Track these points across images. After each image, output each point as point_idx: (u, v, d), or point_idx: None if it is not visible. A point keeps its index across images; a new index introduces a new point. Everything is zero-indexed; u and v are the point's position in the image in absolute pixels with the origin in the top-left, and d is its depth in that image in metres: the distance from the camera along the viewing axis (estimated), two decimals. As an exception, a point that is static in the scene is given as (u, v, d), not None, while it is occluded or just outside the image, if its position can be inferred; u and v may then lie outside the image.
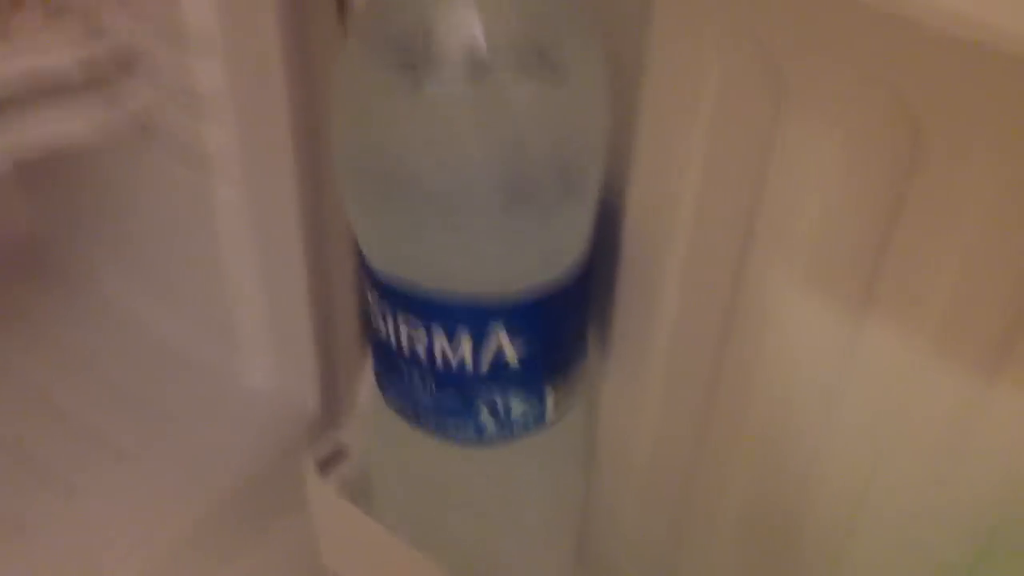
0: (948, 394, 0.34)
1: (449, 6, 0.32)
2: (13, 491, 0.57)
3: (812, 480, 0.39)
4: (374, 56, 0.35)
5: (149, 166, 0.58)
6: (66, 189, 0.67)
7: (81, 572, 0.53)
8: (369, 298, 0.39)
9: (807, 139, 0.33)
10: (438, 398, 0.39)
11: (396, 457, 0.45)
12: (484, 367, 0.38)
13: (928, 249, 0.32)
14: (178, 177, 0.56)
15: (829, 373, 0.36)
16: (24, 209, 0.72)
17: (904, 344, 0.34)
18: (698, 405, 0.42)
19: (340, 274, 0.55)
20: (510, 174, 0.34)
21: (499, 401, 0.39)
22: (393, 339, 0.39)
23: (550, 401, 0.40)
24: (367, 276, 0.39)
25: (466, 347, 0.38)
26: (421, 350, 0.38)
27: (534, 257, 0.37)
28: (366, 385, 0.49)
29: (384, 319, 0.39)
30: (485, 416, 0.39)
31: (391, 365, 0.40)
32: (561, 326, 0.39)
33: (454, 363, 0.38)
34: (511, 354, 0.38)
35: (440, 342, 0.38)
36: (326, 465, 0.48)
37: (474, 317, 0.37)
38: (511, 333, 0.38)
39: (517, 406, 0.39)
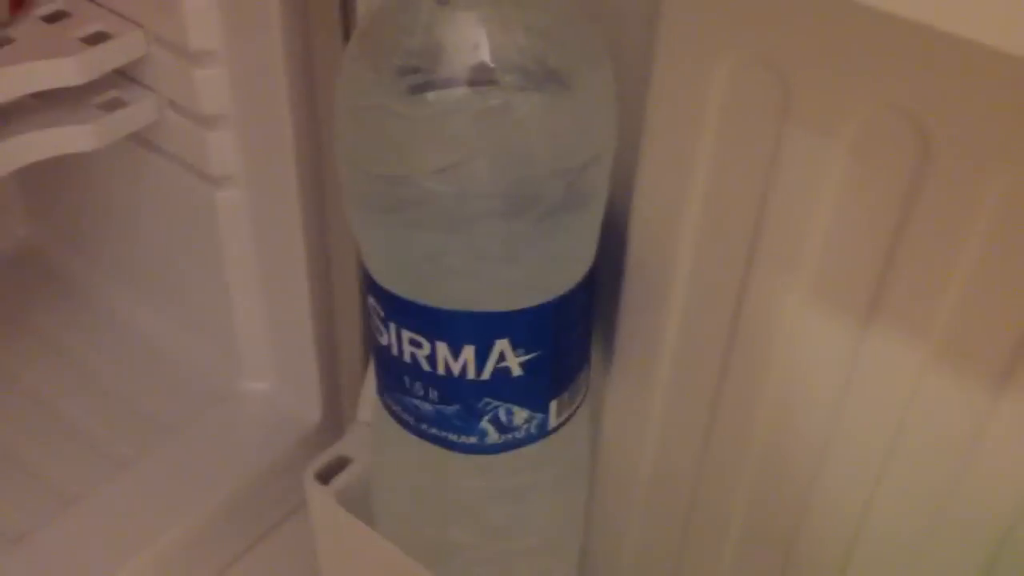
0: (954, 408, 0.33)
1: (454, 20, 0.32)
2: (11, 500, 0.57)
3: (816, 493, 0.39)
4: (377, 68, 0.35)
5: (150, 174, 0.58)
6: (66, 197, 0.67)
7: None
8: (371, 308, 0.39)
9: (813, 149, 0.33)
10: (440, 408, 0.39)
11: (397, 467, 0.45)
12: (487, 377, 0.38)
13: (934, 261, 0.32)
14: (180, 186, 0.56)
15: (834, 386, 0.36)
16: (24, 217, 0.72)
17: (910, 357, 0.34)
18: (702, 416, 0.41)
19: (343, 284, 0.55)
20: (515, 186, 0.34)
21: (501, 410, 0.39)
22: (395, 350, 0.39)
23: (552, 410, 0.40)
24: (369, 287, 0.39)
25: (469, 358, 0.37)
26: (423, 361, 0.38)
27: (539, 271, 0.37)
28: (368, 394, 0.49)
29: (386, 330, 0.39)
30: (487, 425, 0.39)
31: (393, 375, 0.40)
32: (564, 336, 0.39)
33: (456, 374, 0.38)
34: (514, 364, 0.38)
35: (443, 353, 0.38)
36: (326, 475, 0.48)
37: (478, 329, 0.37)
38: (515, 344, 0.38)
39: (519, 415, 0.39)
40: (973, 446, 0.34)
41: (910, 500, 0.36)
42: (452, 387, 0.38)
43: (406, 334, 0.38)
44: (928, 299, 0.32)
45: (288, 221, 0.53)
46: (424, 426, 0.40)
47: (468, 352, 0.37)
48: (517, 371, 0.38)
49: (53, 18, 0.51)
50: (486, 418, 0.39)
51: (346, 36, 0.47)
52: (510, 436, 0.40)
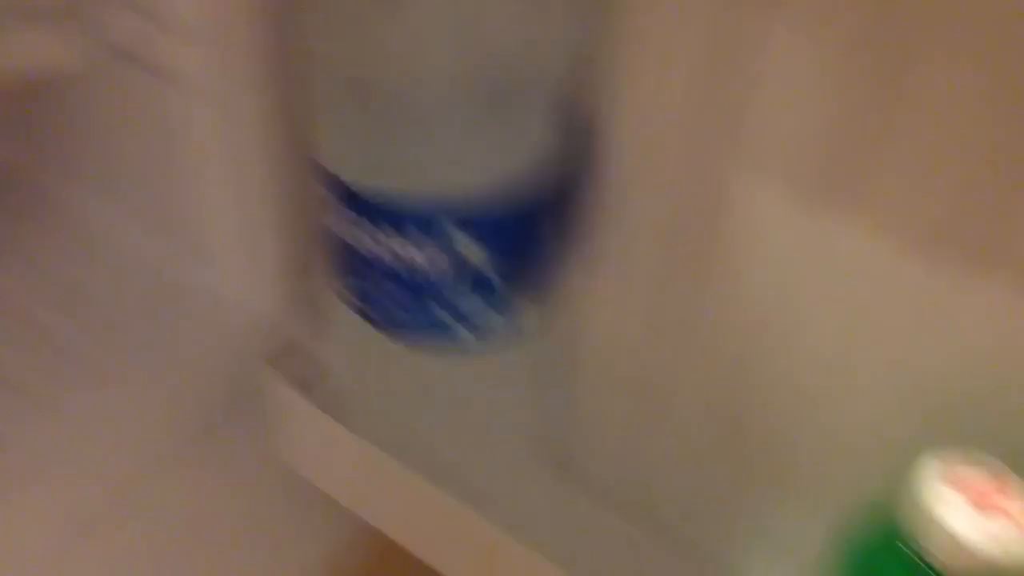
0: (907, 281, 0.34)
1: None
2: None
3: (775, 369, 0.40)
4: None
5: (118, 84, 0.57)
6: (34, 108, 0.66)
7: (57, 485, 0.53)
8: (335, 207, 0.39)
9: (773, 36, 0.33)
10: (405, 306, 0.39)
11: (370, 368, 0.45)
12: (451, 275, 0.38)
13: (889, 141, 0.32)
14: (146, 92, 0.55)
15: (799, 265, 0.37)
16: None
17: (873, 240, 0.34)
18: (679, 311, 0.42)
19: (307, 175, 0.54)
20: (479, 73, 0.34)
21: (470, 311, 0.39)
22: (357, 246, 0.38)
23: (527, 313, 0.40)
24: (328, 180, 0.39)
25: (434, 255, 0.37)
26: (387, 258, 0.38)
27: (505, 162, 0.36)
28: (331, 288, 0.49)
29: (351, 227, 0.38)
30: (458, 326, 0.39)
31: (355, 272, 0.40)
32: (538, 239, 0.39)
33: (421, 271, 0.38)
34: (483, 264, 0.38)
35: (407, 250, 0.37)
36: (283, 363, 0.48)
37: (441, 224, 0.37)
38: (481, 241, 0.37)
39: (493, 317, 0.39)
40: (925, 318, 0.35)
41: (864, 370, 0.37)
42: (416, 285, 0.38)
43: (370, 231, 0.38)
44: (882, 179, 0.33)
45: (254, 121, 0.52)
46: (387, 323, 0.40)
47: (433, 249, 0.37)
48: (486, 271, 0.38)
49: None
50: (452, 318, 0.39)
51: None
52: (479, 337, 0.40)
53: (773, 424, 0.42)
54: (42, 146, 0.69)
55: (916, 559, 0.33)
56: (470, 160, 0.36)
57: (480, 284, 0.38)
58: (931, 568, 0.32)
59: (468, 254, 0.38)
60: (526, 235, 0.38)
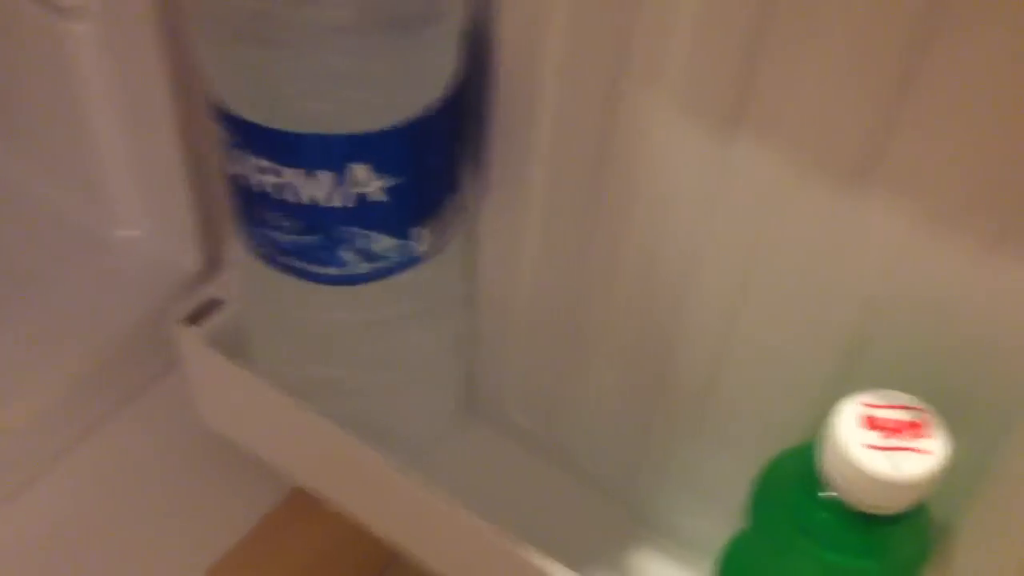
0: (816, 209, 0.33)
1: None
2: None
3: (689, 304, 0.39)
4: None
5: (12, 21, 0.53)
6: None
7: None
8: (226, 141, 0.37)
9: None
10: (298, 238, 0.37)
11: (265, 304, 0.43)
12: (346, 203, 0.36)
13: (793, 64, 0.31)
14: (34, 23, 0.52)
15: (704, 193, 0.35)
16: None
17: (773, 160, 0.33)
18: (578, 234, 0.40)
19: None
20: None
21: (364, 238, 0.37)
22: (248, 179, 0.37)
23: (421, 237, 0.38)
24: (217, 113, 0.36)
25: (326, 184, 0.36)
26: (278, 189, 0.36)
27: (393, 88, 0.35)
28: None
29: (237, 158, 0.36)
30: (349, 254, 0.38)
31: (248, 207, 0.38)
32: (428, 159, 0.37)
33: (313, 201, 0.36)
34: (375, 190, 0.36)
35: (298, 180, 0.36)
36: (197, 317, 0.46)
37: (333, 153, 0.35)
38: (375, 168, 0.36)
39: (384, 243, 0.38)
40: (834, 248, 0.33)
41: (773, 307, 0.36)
42: (309, 216, 0.37)
43: (258, 161, 0.36)
44: (788, 104, 0.31)
45: (146, 52, 0.49)
46: (283, 258, 0.38)
47: (324, 178, 0.35)
48: (378, 196, 0.36)
49: None
50: (348, 247, 0.37)
51: None
52: (376, 265, 0.38)
53: (686, 360, 0.40)
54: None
55: (830, 498, 0.32)
56: (361, 86, 0.34)
57: (375, 211, 0.37)
58: (842, 506, 0.31)
59: (364, 182, 0.36)
60: (420, 156, 0.37)
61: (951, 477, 0.32)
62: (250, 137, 0.35)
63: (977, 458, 0.34)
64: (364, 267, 0.38)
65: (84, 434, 0.54)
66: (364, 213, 0.36)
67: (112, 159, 0.55)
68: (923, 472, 0.30)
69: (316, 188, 0.35)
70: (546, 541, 0.47)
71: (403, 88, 0.35)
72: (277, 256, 0.39)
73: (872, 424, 0.31)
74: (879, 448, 0.30)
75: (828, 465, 0.32)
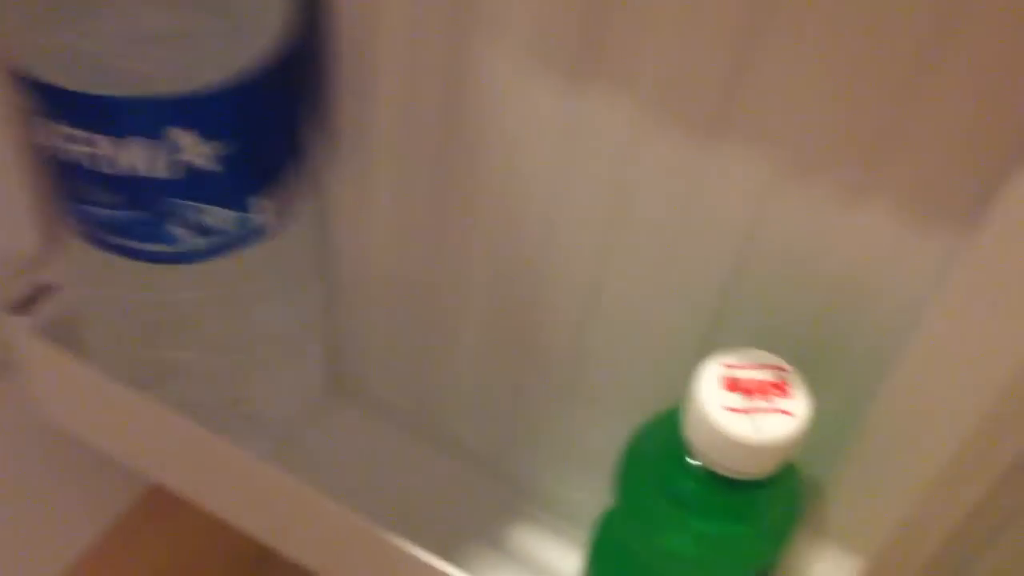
0: (673, 162, 0.31)
1: None
2: None
3: (549, 267, 0.37)
4: None
5: None
6: None
7: None
8: (40, 113, 0.33)
9: None
10: (121, 213, 0.34)
11: (102, 289, 0.40)
12: (170, 174, 0.33)
13: (642, 14, 0.29)
14: None
15: (559, 151, 0.34)
16: None
17: (627, 114, 0.31)
18: (432, 199, 0.38)
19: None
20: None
21: (194, 211, 0.34)
22: (59, 151, 0.33)
23: (261, 209, 0.36)
24: (18, 80, 0.33)
25: (145, 151, 0.32)
26: (94, 160, 0.33)
27: (206, 45, 0.32)
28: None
29: (44, 128, 0.33)
30: (179, 229, 0.34)
31: (65, 182, 0.35)
32: (261, 124, 0.34)
33: (133, 171, 0.33)
34: (203, 157, 0.33)
35: (113, 148, 0.32)
36: (27, 305, 0.42)
37: (151, 118, 0.32)
38: (200, 133, 0.33)
39: (220, 215, 0.35)
40: (692, 203, 0.32)
41: (635, 266, 0.35)
42: (130, 188, 0.33)
43: (67, 130, 0.32)
44: (639, 57, 0.30)
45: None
46: (108, 236, 0.35)
47: (142, 145, 0.32)
48: (208, 165, 0.33)
49: None
50: (178, 221, 0.34)
51: None
52: (212, 240, 0.35)
53: (550, 325, 0.39)
54: None
55: (695, 466, 0.30)
56: (173, 44, 0.32)
57: (206, 181, 0.34)
58: (708, 473, 0.30)
59: (190, 150, 0.33)
60: (254, 124, 0.34)
61: (821, 435, 0.31)
62: (55, 103, 0.32)
63: (847, 415, 0.33)
64: (199, 243, 0.35)
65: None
66: (193, 184, 0.33)
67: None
68: (784, 434, 0.29)
69: (134, 157, 0.32)
70: (423, 522, 0.45)
71: (223, 46, 0.32)
72: (101, 234, 0.35)
73: (734, 386, 0.29)
74: (740, 411, 0.29)
75: (691, 431, 0.30)
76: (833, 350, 0.33)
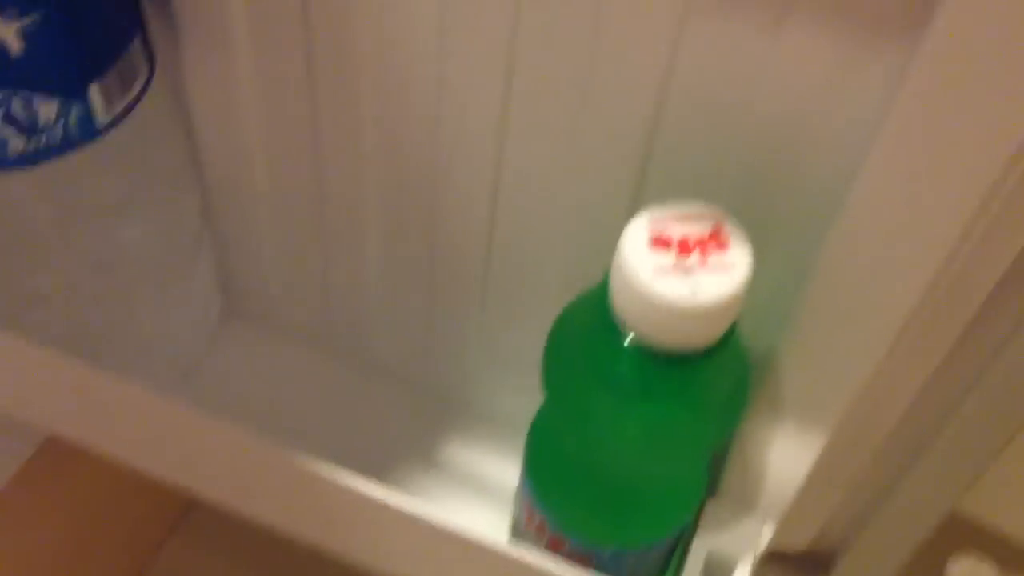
0: (571, 7, 0.27)
1: None
2: None
3: (446, 141, 0.32)
4: None
5: None
6: None
7: None
8: None
9: None
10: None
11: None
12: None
13: None
14: None
15: (439, 6, 0.29)
16: None
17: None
18: (303, 78, 0.33)
19: None
20: None
21: (16, 104, 0.29)
22: None
23: (95, 98, 0.30)
24: None
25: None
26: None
27: None
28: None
29: None
30: (1, 126, 0.29)
31: None
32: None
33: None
34: (9, 35, 0.27)
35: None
36: None
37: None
38: (22, 17, 0.27)
39: (46, 109, 0.29)
40: (593, 49, 0.27)
41: (545, 124, 0.30)
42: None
43: None
44: None
45: None
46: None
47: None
48: (17, 45, 0.28)
49: None
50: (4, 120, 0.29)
51: None
52: (43, 139, 0.30)
53: (454, 213, 0.34)
54: None
55: (627, 343, 0.27)
56: None
57: (20, 68, 0.28)
58: (642, 349, 0.26)
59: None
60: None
61: (765, 300, 0.28)
62: None
63: (792, 276, 0.29)
64: (25, 143, 0.30)
65: None
66: (9, 74, 0.28)
67: None
68: (726, 292, 0.25)
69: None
70: (349, 447, 0.41)
71: None
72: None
73: (664, 244, 0.25)
74: (673, 272, 0.25)
75: (620, 302, 0.26)
76: (772, 204, 0.29)
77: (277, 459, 0.34)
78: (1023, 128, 0.21)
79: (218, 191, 0.38)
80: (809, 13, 0.25)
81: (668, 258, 0.25)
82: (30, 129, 0.29)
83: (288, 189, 0.37)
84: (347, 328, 0.42)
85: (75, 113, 0.30)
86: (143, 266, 0.37)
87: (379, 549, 0.35)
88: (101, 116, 0.31)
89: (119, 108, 0.31)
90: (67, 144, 0.30)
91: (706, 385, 0.28)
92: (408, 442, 0.42)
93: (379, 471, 0.41)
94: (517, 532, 0.36)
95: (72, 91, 0.29)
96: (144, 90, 0.32)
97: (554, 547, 0.33)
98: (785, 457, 0.32)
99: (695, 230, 0.26)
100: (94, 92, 0.30)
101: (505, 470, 0.41)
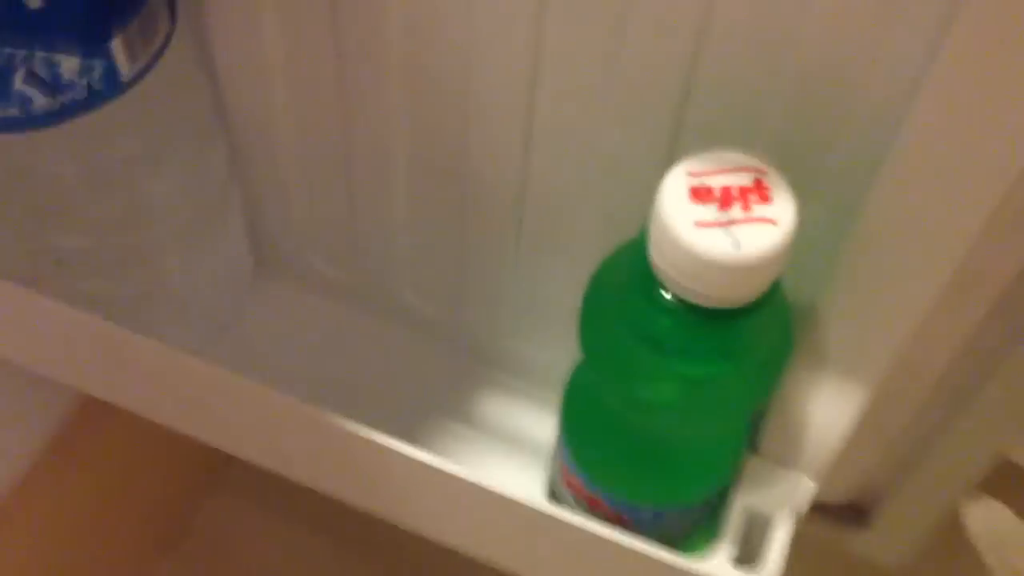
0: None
1: None
2: None
3: (479, 84, 0.31)
4: None
5: None
6: None
7: None
8: None
9: None
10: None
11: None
12: (7, 22, 0.27)
13: None
14: None
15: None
16: None
17: None
18: (323, 7, 0.32)
19: None
20: None
21: (37, 61, 0.28)
22: None
23: (118, 51, 0.30)
24: None
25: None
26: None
27: None
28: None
29: None
30: (24, 86, 0.29)
31: None
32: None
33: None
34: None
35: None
36: None
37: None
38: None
39: (68, 64, 0.29)
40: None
41: (578, 65, 0.29)
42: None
43: None
44: None
45: None
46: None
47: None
48: (49, 9, 0.27)
49: None
50: (19, 76, 0.28)
51: None
52: (68, 95, 0.29)
53: (487, 157, 0.33)
54: None
55: (667, 298, 0.26)
56: None
57: (35, 20, 0.27)
58: (683, 305, 0.26)
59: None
60: None
61: (808, 251, 0.27)
62: None
63: (836, 226, 0.28)
64: (50, 101, 0.29)
65: None
66: (22, 25, 0.27)
67: None
68: (770, 246, 0.24)
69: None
70: (382, 403, 0.41)
71: None
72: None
73: (704, 196, 0.24)
74: (715, 225, 0.24)
75: (659, 257, 0.25)
76: (815, 151, 0.28)
77: (311, 419, 0.34)
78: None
79: (245, 142, 0.37)
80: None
81: (709, 210, 0.24)
82: (54, 85, 0.29)
83: (316, 137, 0.36)
84: (378, 281, 0.41)
85: (99, 68, 0.29)
86: (172, 222, 0.36)
87: (416, 509, 0.35)
88: (125, 70, 0.30)
89: (143, 61, 0.30)
90: (92, 100, 0.30)
91: (749, 342, 0.27)
92: (442, 397, 0.42)
93: (412, 426, 0.41)
94: (554, 492, 0.36)
95: (94, 44, 0.29)
96: (167, 42, 0.31)
97: (592, 507, 0.32)
98: (827, 410, 0.32)
99: (736, 181, 0.25)
100: (117, 45, 0.29)
101: (541, 425, 0.41)
